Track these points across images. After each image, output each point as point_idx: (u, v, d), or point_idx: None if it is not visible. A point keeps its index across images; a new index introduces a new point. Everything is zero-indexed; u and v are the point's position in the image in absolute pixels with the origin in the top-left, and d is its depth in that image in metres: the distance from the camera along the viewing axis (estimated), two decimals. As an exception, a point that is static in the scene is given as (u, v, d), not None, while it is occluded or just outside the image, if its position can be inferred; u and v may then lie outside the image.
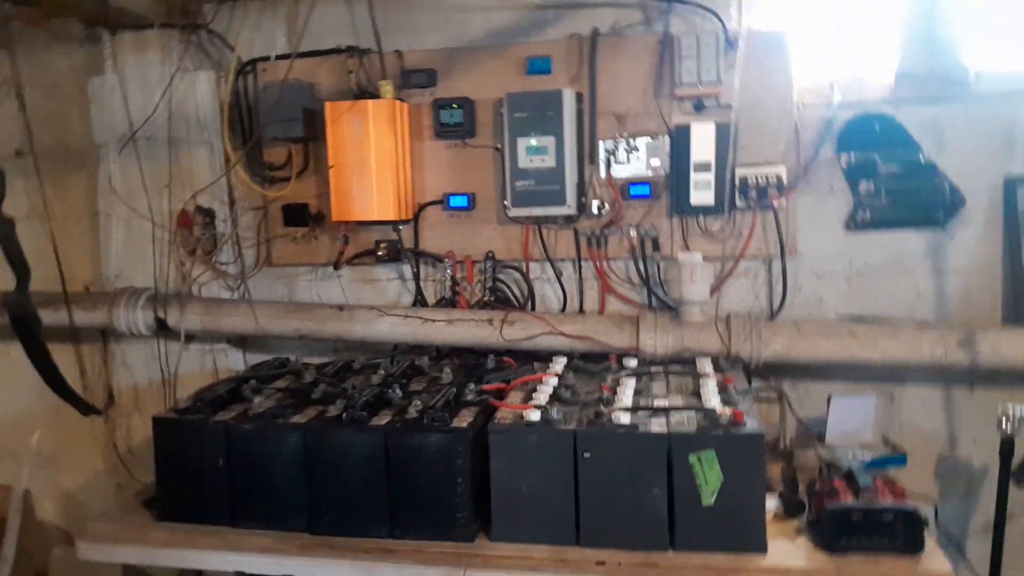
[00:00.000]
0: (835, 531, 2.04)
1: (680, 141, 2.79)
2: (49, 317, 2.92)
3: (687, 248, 2.87)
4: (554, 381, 2.48)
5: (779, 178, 2.75)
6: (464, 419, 2.28)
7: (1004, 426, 2.18)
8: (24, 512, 3.55)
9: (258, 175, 3.08)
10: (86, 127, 3.19)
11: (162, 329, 3.08)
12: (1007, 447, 2.15)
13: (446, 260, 3.05)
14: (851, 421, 2.61)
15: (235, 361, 3.26)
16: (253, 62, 3.08)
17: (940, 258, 2.77)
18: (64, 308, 2.89)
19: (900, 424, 2.79)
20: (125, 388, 3.33)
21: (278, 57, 3.03)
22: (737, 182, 2.77)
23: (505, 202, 2.91)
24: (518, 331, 2.83)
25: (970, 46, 2.64)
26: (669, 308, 2.88)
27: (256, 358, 3.24)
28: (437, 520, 2.23)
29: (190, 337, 3.15)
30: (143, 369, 3.29)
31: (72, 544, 3.56)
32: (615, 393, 2.37)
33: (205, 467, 2.34)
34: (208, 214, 3.14)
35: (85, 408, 2.86)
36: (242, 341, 3.28)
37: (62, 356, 2.91)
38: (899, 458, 2.47)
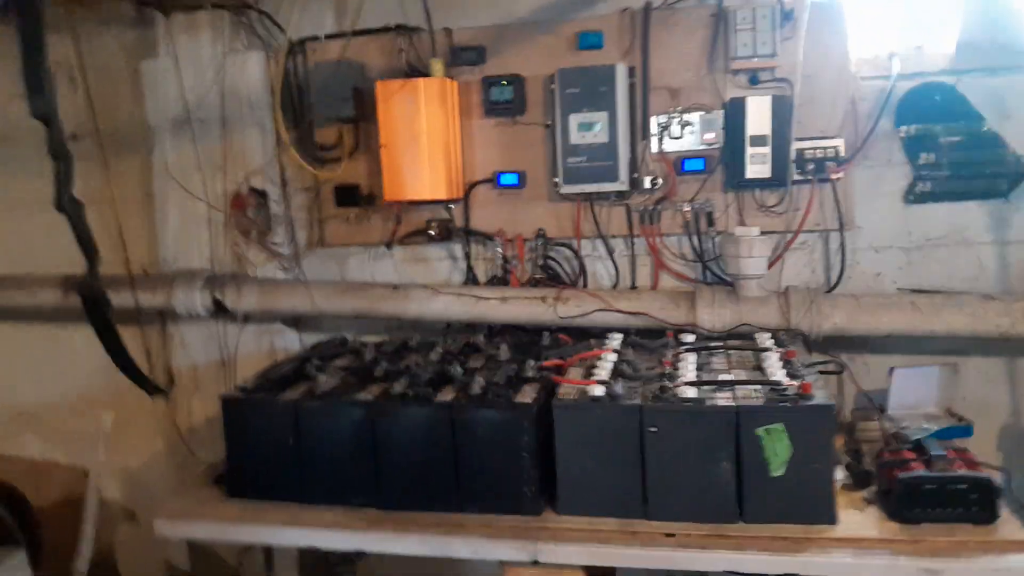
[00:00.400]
0: (908, 501, 2.04)
1: (735, 115, 2.76)
2: (112, 299, 2.97)
3: (743, 222, 2.84)
4: (613, 357, 2.49)
5: (837, 151, 2.72)
6: (527, 395, 2.30)
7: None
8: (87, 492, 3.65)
9: (309, 156, 3.10)
10: (139, 110, 3.23)
11: (219, 310, 3.13)
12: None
13: (497, 238, 3.05)
14: (913, 393, 2.60)
15: (290, 341, 3.30)
16: (302, 42, 3.09)
17: (1003, 229, 2.72)
18: (126, 290, 2.95)
19: (964, 395, 2.75)
20: (184, 369, 3.38)
21: (327, 37, 3.04)
22: (794, 155, 2.74)
23: (556, 179, 2.90)
24: (572, 308, 2.83)
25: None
26: (724, 283, 2.87)
27: (310, 338, 3.28)
28: (504, 494, 2.26)
29: (246, 318, 3.20)
30: (201, 350, 3.34)
31: (135, 522, 3.69)
32: (676, 368, 2.37)
33: (274, 445, 2.39)
34: (261, 195, 3.17)
35: (152, 388, 2.92)
36: (296, 321, 3.32)
37: (127, 338, 2.95)
38: (965, 429, 2.46)
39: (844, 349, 2.82)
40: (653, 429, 2.14)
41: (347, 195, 3.14)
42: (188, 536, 2.42)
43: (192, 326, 3.31)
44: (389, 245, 3.12)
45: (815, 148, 2.73)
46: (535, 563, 2.13)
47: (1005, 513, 2.05)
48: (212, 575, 3.42)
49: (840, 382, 2.84)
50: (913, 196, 2.78)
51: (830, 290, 2.83)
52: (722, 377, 2.30)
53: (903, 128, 2.74)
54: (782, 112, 2.71)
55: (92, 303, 2.46)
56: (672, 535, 2.12)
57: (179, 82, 3.07)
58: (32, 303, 3.27)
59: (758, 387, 2.19)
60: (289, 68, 3.09)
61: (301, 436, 2.37)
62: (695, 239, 2.91)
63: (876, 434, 2.51)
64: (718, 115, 2.83)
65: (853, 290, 2.81)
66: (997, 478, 2.04)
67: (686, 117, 2.85)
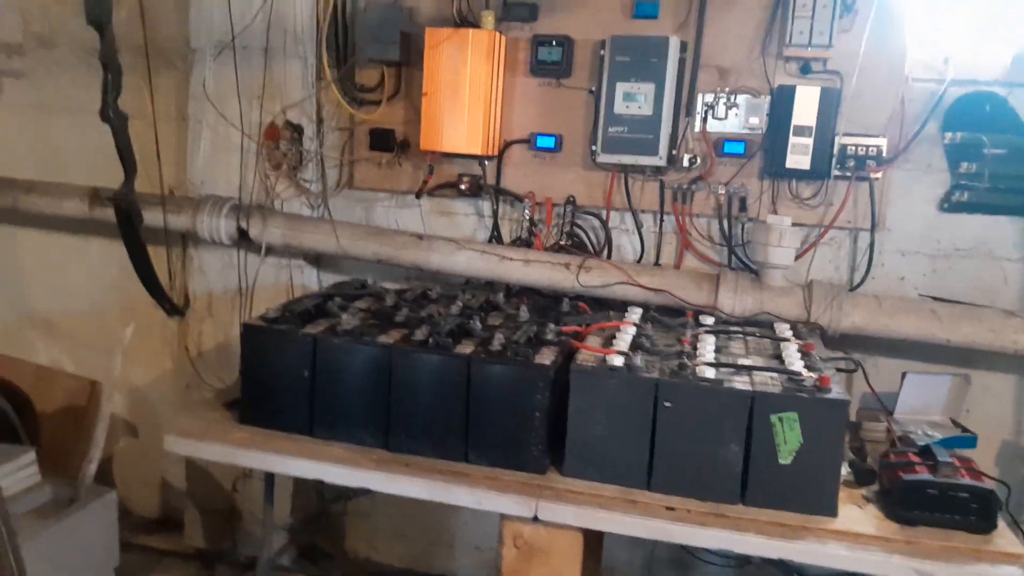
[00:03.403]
0: (908, 503, 2.07)
1: (782, 102, 2.74)
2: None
3: (776, 211, 2.84)
4: (632, 330, 2.50)
5: (879, 150, 2.71)
6: (546, 357, 2.31)
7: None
8: (91, 403, 3.69)
9: (349, 95, 3.08)
10: (183, 29, 3.21)
11: (243, 239, 3.14)
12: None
13: (526, 200, 3.05)
14: (922, 399, 2.62)
15: (309, 278, 3.32)
16: (355, -21, 3.05)
17: (1032, 247, 2.73)
18: (155, 209, 2.94)
19: (967, 408, 2.78)
20: (200, 293, 3.40)
21: (380, -22, 3.00)
22: (836, 150, 2.73)
23: (594, 147, 2.89)
24: (595, 278, 2.84)
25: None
26: (750, 270, 2.87)
27: (329, 277, 3.30)
28: (511, 450, 2.29)
29: (268, 250, 3.20)
30: (219, 277, 3.36)
31: (135, 436, 3.74)
32: (696, 348, 2.39)
33: (290, 376, 2.41)
34: (296, 130, 3.16)
35: (171, 308, 2.94)
36: (317, 260, 3.33)
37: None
38: (969, 439, 2.49)
39: (858, 348, 2.83)
40: (668, 404, 2.16)
41: (381, 139, 3.13)
42: (197, 455, 2.45)
43: (212, 252, 3.33)
44: (419, 195, 3.12)
45: (858, 145, 2.72)
46: (535, 519, 2.17)
47: (1001, 525, 2.08)
48: (206, 496, 3.49)
49: (851, 380, 2.86)
50: (948, 204, 2.77)
51: (853, 289, 2.84)
52: (741, 361, 2.32)
53: (948, 134, 2.73)
54: (830, 105, 2.69)
55: (126, 217, 2.46)
56: (672, 508, 2.15)
57: (227, 5, 3.03)
58: (56, 212, 3.28)
59: (776, 375, 2.21)
60: (337, 4, 3.05)
61: (319, 371, 2.39)
62: (725, 222, 2.91)
63: (881, 435, 2.54)
64: (765, 100, 2.81)
65: (875, 291, 2.82)
66: (998, 490, 2.07)
67: (733, 99, 2.83)
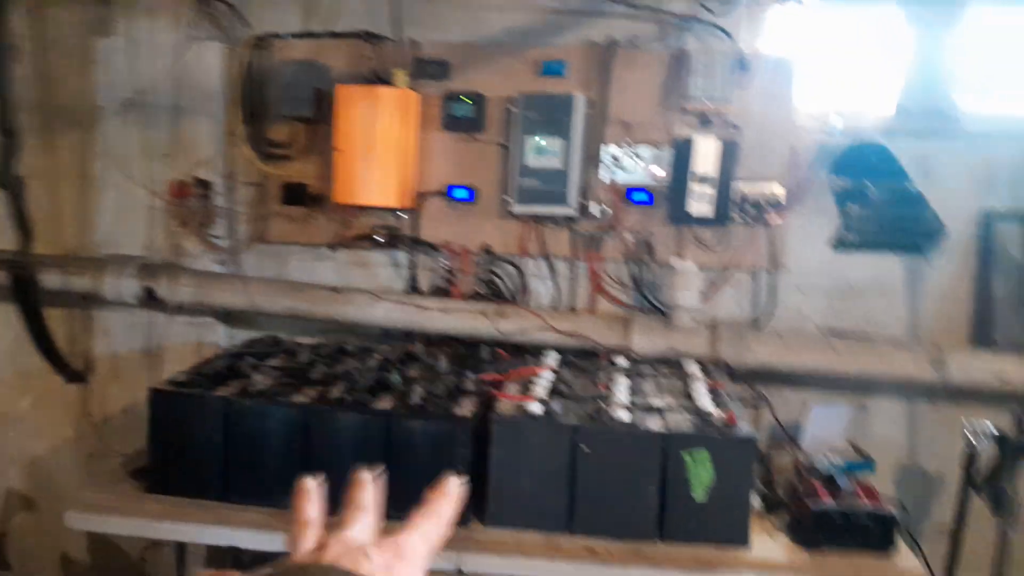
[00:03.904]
0: (816, 530, 2.17)
1: (684, 153, 2.88)
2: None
3: (681, 256, 2.97)
4: (550, 375, 2.55)
5: (776, 196, 2.87)
6: (465, 408, 2.33)
7: (969, 439, 2.33)
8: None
9: (260, 151, 3.07)
10: (88, 87, 3.13)
11: (150, 299, 3.05)
12: (970, 460, 2.31)
13: (444, 250, 3.09)
14: (826, 428, 2.74)
15: (219, 336, 3.24)
16: (265, 38, 3.06)
17: (917, 282, 2.93)
18: (55, 271, 2.84)
19: (867, 433, 2.93)
20: (104, 357, 3.27)
21: (293, 36, 3.03)
22: (735, 196, 2.88)
23: (507, 197, 2.96)
24: (512, 324, 2.89)
25: (961, 87, 2.81)
26: (657, 311, 2.98)
27: (241, 334, 3.23)
28: (434, 504, 2.27)
29: (176, 309, 3.12)
30: (124, 338, 3.24)
31: (34, 510, 3.52)
32: (610, 391, 2.45)
33: (202, 442, 2.34)
34: (206, 186, 3.12)
35: (71, 375, 2.81)
36: (227, 316, 3.26)
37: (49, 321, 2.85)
38: (868, 464, 2.61)
39: (764, 382, 2.96)
40: (586, 449, 2.21)
41: (294, 194, 3.11)
42: (102, 530, 2.34)
43: (117, 313, 3.21)
44: (334, 247, 3.11)
45: (756, 192, 2.88)
46: (459, 573, 2.16)
47: (901, 545, 2.19)
48: (113, 569, 3.31)
49: (758, 413, 2.98)
50: (840, 244, 2.96)
51: (757, 326, 2.98)
52: (653, 402, 2.39)
53: (837, 180, 2.92)
54: (728, 155, 2.84)
55: (21, 282, 2.36)
56: (594, 551, 2.19)
57: (133, 64, 2.99)
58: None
59: (687, 414, 2.29)
60: (249, 61, 3.06)
61: (232, 434, 2.33)
62: (635, 267, 3.02)
63: (789, 465, 2.64)
64: (668, 152, 2.94)
65: (777, 327, 2.97)
66: (895, 512, 2.19)
67: (637, 151, 2.96)
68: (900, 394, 2.96)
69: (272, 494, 2.34)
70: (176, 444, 2.38)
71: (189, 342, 3.24)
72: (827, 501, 2.21)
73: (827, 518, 2.16)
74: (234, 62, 3.02)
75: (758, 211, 2.87)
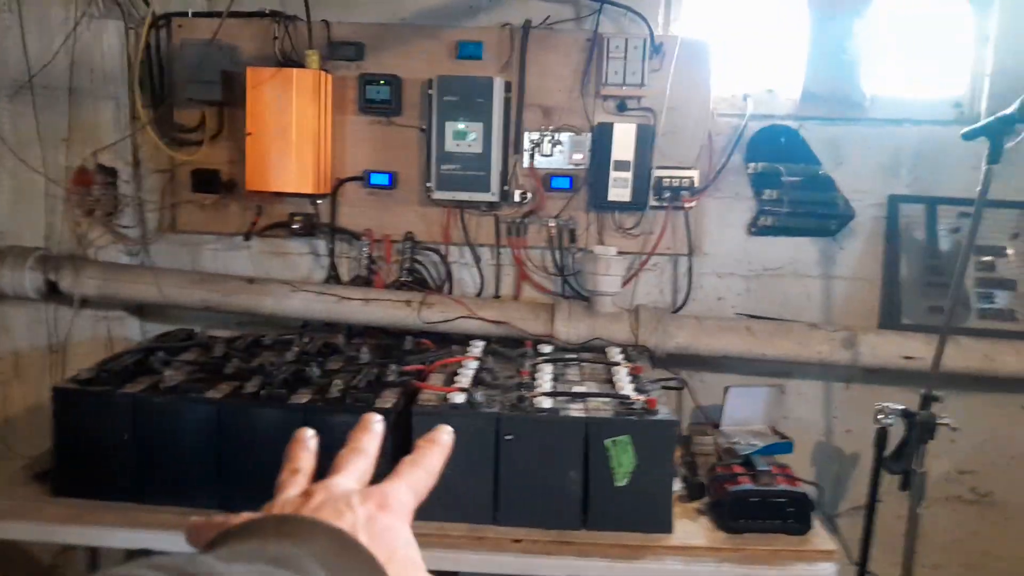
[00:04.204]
0: (735, 513, 2.21)
1: (602, 139, 2.88)
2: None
3: (602, 241, 2.98)
4: (474, 364, 2.53)
5: (692, 181, 2.90)
6: (387, 400, 2.28)
7: (879, 419, 2.42)
8: None
9: (167, 136, 2.93)
10: (-27, 69, 2.93)
11: (52, 293, 2.90)
12: (881, 438, 2.39)
13: (364, 238, 3.02)
14: (745, 410, 2.82)
15: (131, 330, 3.11)
16: (168, 16, 2.92)
17: (829, 265, 3.01)
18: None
19: (787, 414, 3.02)
20: (4, 354, 3.09)
21: (195, 14, 2.89)
22: (653, 182, 2.90)
23: (428, 184, 2.91)
24: (437, 314, 2.85)
25: (868, 72, 2.89)
26: (582, 298, 2.99)
27: (154, 327, 3.10)
28: (356, 499, 2.23)
29: (83, 303, 2.98)
30: (26, 334, 3.07)
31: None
32: (534, 378, 2.44)
33: (110, 441, 2.23)
34: (110, 173, 2.96)
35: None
36: (140, 310, 3.13)
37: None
38: (786, 445, 2.69)
39: (685, 366, 3.02)
40: (509, 437, 2.20)
41: (205, 180, 2.99)
42: (5, 536, 2.21)
43: (17, 307, 3.04)
44: (247, 236, 3.01)
45: (672, 177, 2.90)
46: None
47: (816, 524, 2.26)
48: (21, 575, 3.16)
49: (680, 397, 3.04)
50: (756, 229, 3.01)
51: (677, 311, 3.02)
52: (576, 389, 2.40)
53: (751, 165, 2.97)
54: (645, 140, 2.85)
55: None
56: (519, 540, 2.19)
57: (24, 43, 2.81)
58: None
59: (608, 400, 2.30)
60: (151, 42, 2.91)
61: (141, 433, 2.23)
62: (558, 254, 3.01)
63: (711, 448, 2.70)
64: (587, 137, 2.94)
65: (696, 312, 3.01)
66: (811, 493, 2.26)
67: (557, 136, 2.94)
68: (816, 375, 3.05)
69: (187, 493, 2.25)
70: (83, 445, 2.27)
71: (99, 337, 3.10)
72: (745, 483, 2.26)
73: (745, 500, 2.21)
74: (135, 42, 2.87)
75: (675, 196, 2.90)
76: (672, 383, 2.91)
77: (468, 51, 2.93)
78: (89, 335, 3.06)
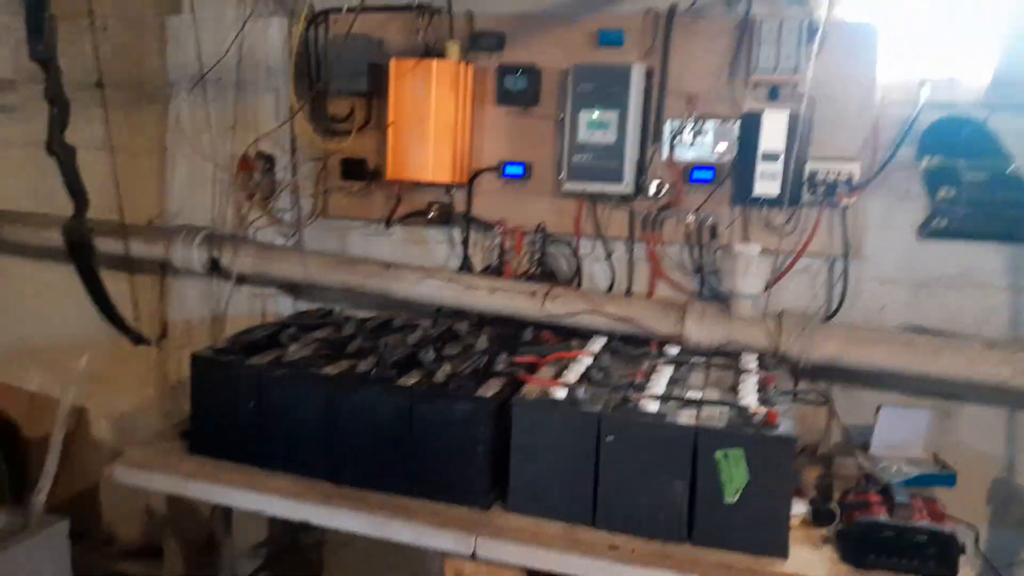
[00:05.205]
0: (863, 545, 1.96)
1: (750, 128, 2.67)
2: (109, 246, 3.03)
3: (747, 239, 2.76)
4: (588, 361, 2.43)
5: (851, 175, 2.61)
6: (490, 389, 2.26)
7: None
8: (80, 429, 3.74)
9: (321, 126, 3.10)
10: (162, 64, 3.27)
11: (215, 269, 3.16)
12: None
13: (496, 228, 3.01)
14: (900, 433, 2.49)
15: (284, 307, 3.32)
16: (326, 12, 3.08)
17: (1019, 275, 2.59)
18: (137, 240, 2.98)
19: (957, 442, 2.64)
20: (179, 321, 3.43)
21: (349, 10, 3.02)
22: (806, 176, 2.65)
23: (560, 175, 2.85)
24: (560, 306, 2.78)
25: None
26: (720, 299, 2.78)
27: (304, 306, 3.29)
28: (454, 484, 2.23)
29: (242, 279, 3.22)
30: (196, 305, 3.38)
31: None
32: (648, 379, 2.31)
33: (237, 407, 2.39)
34: (269, 160, 3.18)
35: (135, 337, 2.96)
36: (292, 288, 3.33)
37: (119, 285, 3.00)
38: (947, 477, 2.35)
39: (835, 380, 2.72)
40: (610, 439, 2.09)
41: (353, 169, 3.13)
42: (144, 486, 2.44)
43: (190, 281, 3.35)
44: (388, 223, 3.11)
45: (828, 170, 2.63)
46: (473, 556, 2.10)
47: (966, 572, 1.94)
48: (186, 525, 3.47)
49: (828, 414, 2.74)
50: (928, 231, 2.65)
51: (828, 319, 2.73)
52: (692, 394, 2.23)
53: (925, 159, 2.61)
54: (798, 130, 2.60)
55: (77, 248, 2.49)
56: (616, 547, 2.07)
57: (198, 40, 3.08)
58: (37, 242, 3.34)
59: (724, 409, 2.12)
60: (309, 37, 3.08)
61: (263, 403, 2.37)
62: (696, 251, 2.83)
63: (853, 472, 2.42)
64: (733, 126, 2.74)
65: (855, 322, 2.71)
66: (960, 534, 1.94)
67: (701, 125, 2.76)
68: (998, 401, 2.63)
69: (301, 462, 2.37)
70: (215, 408, 2.45)
71: (254, 311, 3.34)
72: (879, 514, 1.99)
73: (875, 533, 1.94)
74: (295, 37, 3.05)
75: (831, 192, 2.62)
76: (812, 397, 2.63)
77: (609, 38, 2.83)
78: (246, 310, 3.31)
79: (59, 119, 2.22)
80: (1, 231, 3.36)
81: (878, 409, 2.50)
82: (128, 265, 3.27)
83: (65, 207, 3.24)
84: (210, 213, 3.22)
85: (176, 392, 3.38)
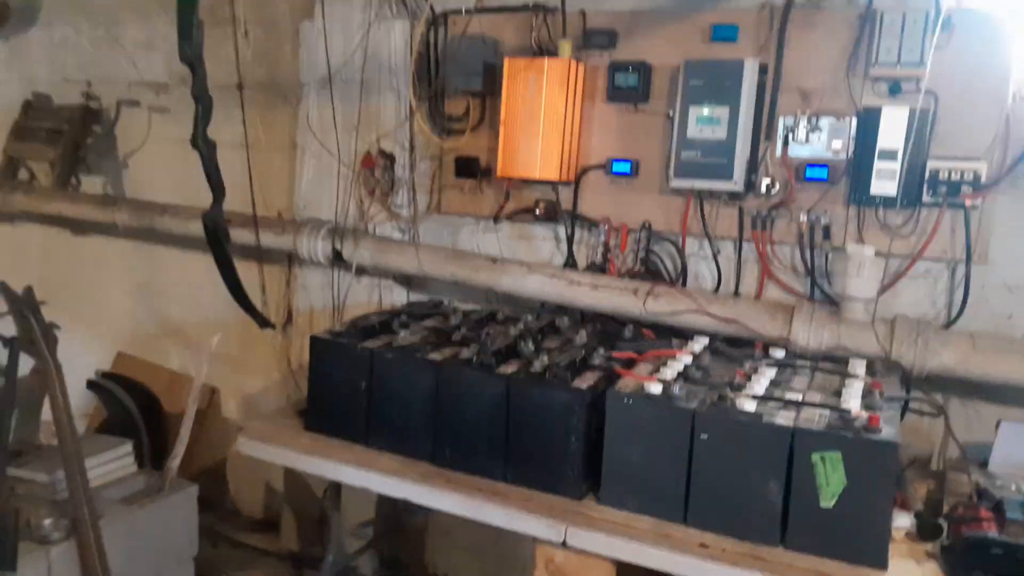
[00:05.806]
0: (969, 561, 1.86)
1: (868, 124, 2.58)
2: (243, 236, 3.28)
3: (861, 240, 2.66)
4: (687, 359, 2.43)
5: (976, 175, 2.47)
6: (586, 381, 2.30)
7: None
8: (211, 407, 4.06)
9: (438, 125, 3.23)
10: (295, 66, 3.50)
11: (337, 260, 3.36)
12: None
13: (601, 225, 3.04)
14: (1021, 450, 2.33)
15: (399, 297, 3.49)
16: (445, 14, 3.20)
17: None
18: (265, 231, 3.22)
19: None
20: (303, 309, 3.66)
21: (467, 11, 3.14)
22: (927, 174, 2.53)
23: (668, 172, 2.84)
24: (662, 305, 2.78)
25: None
26: (831, 302, 2.70)
27: (417, 297, 3.44)
28: (548, 472, 2.29)
29: (361, 270, 3.40)
30: (319, 294, 3.61)
31: (247, 440, 4.04)
32: (749, 380, 2.28)
33: (349, 387, 2.55)
34: (389, 158, 3.35)
35: (262, 321, 3.19)
36: (407, 280, 3.49)
37: (250, 273, 3.24)
38: (1072, 501, 2.18)
39: (954, 392, 2.58)
40: (704, 436, 2.08)
41: (466, 166, 3.24)
42: (263, 457, 2.63)
43: (314, 271, 3.58)
44: (496, 219, 3.20)
45: (951, 169, 2.50)
46: (563, 544, 2.14)
47: (1087, 599, 1.81)
48: (301, 500, 3.70)
49: (944, 427, 2.60)
50: (1065, 236, 2.47)
51: (947, 326, 2.59)
52: (793, 396, 2.19)
53: (1063, 159, 2.44)
54: (919, 126, 2.50)
55: (214, 236, 2.72)
56: (706, 546, 2.06)
57: (330, 43, 3.28)
58: (184, 232, 3.66)
59: (824, 411, 2.07)
60: (429, 39, 3.22)
61: (373, 383, 2.51)
62: (808, 252, 2.76)
63: (966, 487, 2.29)
64: (850, 123, 2.65)
65: (979, 330, 2.56)
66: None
67: (815, 121, 2.69)
68: None
69: (407, 442, 2.49)
70: (329, 388, 2.62)
71: (372, 301, 3.53)
72: (988, 530, 1.88)
73: (984, 549, 1.84)
74: (415, 39, 3.20)
75: (953, 192, 2.48)
76: (925, 407, 2.50)
77: (722, 33, 2.80)
78: (364, 299, 3.50)
79: (203, 116, 2.44)
80: (153, 221, 3.70)
81: (998, 424, 2.36)
82: (258, 254, 3.53)
83: (205, 200, 3.56)
84: (334, 207, 3.42)
85: (298, 376, 3.62)
